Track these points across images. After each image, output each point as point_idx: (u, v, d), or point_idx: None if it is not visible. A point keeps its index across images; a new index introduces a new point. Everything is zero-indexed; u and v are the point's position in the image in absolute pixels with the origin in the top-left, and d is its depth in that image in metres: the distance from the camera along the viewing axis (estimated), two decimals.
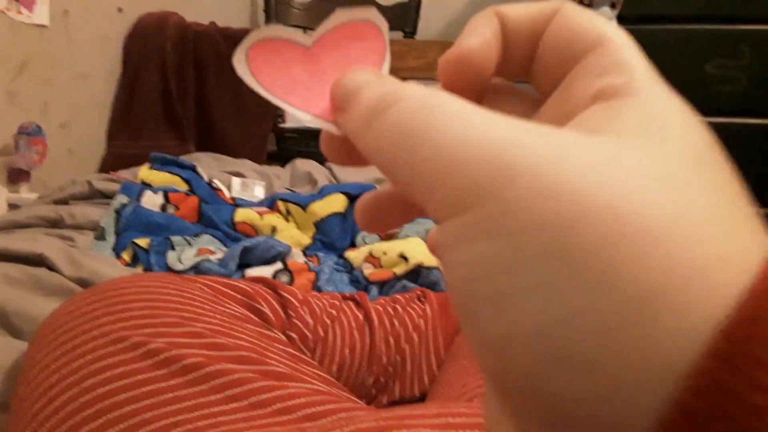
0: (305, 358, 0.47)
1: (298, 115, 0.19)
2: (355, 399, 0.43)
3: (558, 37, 0.17)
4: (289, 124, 2.07)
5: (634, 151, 0.13)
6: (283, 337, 0.50)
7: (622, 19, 1.51)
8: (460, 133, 0.13)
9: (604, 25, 0.17)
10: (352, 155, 0.18)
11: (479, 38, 0.18)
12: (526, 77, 0.19)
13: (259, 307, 0.50)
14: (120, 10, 1.53)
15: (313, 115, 0.18)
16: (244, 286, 0.51)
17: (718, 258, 0.11)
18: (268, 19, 2.04)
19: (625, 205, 0.11)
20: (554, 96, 0.18)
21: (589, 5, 1.42)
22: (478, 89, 0.19)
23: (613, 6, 1.43)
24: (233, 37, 1.64)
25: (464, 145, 0.13)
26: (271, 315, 0.51)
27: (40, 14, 1.27)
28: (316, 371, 0.45)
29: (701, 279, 0.11)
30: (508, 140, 0.13)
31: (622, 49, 0.16)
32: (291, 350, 0.46)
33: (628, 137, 0.13)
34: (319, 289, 0.72)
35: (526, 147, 0.12)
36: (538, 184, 0.12)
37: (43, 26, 1.27)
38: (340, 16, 0.20)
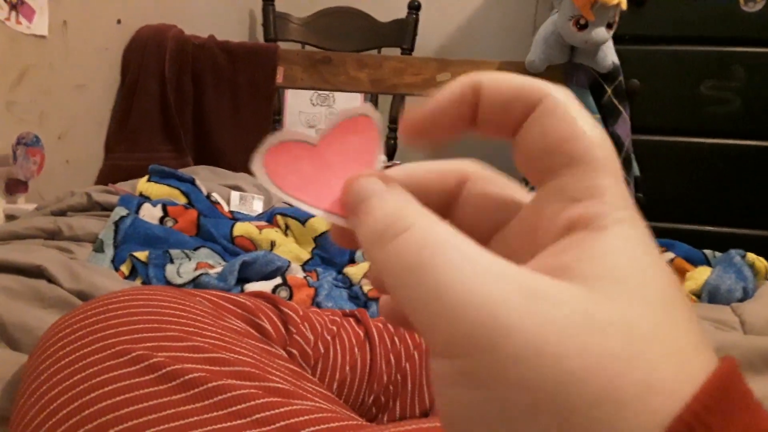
0: (306, 375, 0.46)
1: (311, 211, 0.21)
2: (358, 417, 0.43)
3: (539, 141, 0.18)
4: None
5: (601, 307, 0.15)
6: (284, 353, 0.50)
7: (617, 40, 1.53)
8: (458, 283, 0.15)
9: (588, 136, 0.17)
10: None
11: (443, 97, 0.19)
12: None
13: (260, 322, 0.50)
14: (119, 22, 1.54)
15: (324, 210, 0.21)
16: (245, 301, 0.51)
17: (655, 388, 0.13)
18: (267, 34, 2.05)
19: (599, 371, 0.13)
20: (530, 207, 0.19)
21: (585, 26, 1.44)
22: (445, 138, 0.20)
23: (609, 26, 1.45)
24: (232, 51, 1.65)
25: (462, 296, 0.15)
26: (271, 330, 0.50)
27: (40, 25, 1.27)
28: (318, 388, 0.44)
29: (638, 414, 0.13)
30: (500, 299, 0.14)
31: (600, 172, 0.17)
32: (292, 366, 0.46)
33: (596, 286, 0.15)
34: (318, 305, 0.72)
35: (515, 308, 0.14)
36: (526, 345, 0.14)
37: (42, 37, 1.27)
38: (342, 114, 0.22)
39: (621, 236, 0.16)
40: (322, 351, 0.53)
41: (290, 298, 0.72)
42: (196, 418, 0.36)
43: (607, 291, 0.15)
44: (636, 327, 0.14)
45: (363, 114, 0.22)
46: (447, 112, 0.19)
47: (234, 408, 0.37)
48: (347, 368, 0.54)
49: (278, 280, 0.74)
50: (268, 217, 0.99)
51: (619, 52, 1.56)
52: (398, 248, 0.16)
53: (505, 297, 0.14)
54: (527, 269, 0.16)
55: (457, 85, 0.19)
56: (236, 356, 0.41)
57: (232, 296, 0.51)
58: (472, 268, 0.15)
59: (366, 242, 0.18)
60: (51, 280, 0.63)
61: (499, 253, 0.19)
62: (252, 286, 0.73)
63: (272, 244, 0.90)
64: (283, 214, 0.97)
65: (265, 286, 0.73)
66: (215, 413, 0.36)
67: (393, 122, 2.05)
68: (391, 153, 2.03)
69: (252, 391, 0.38)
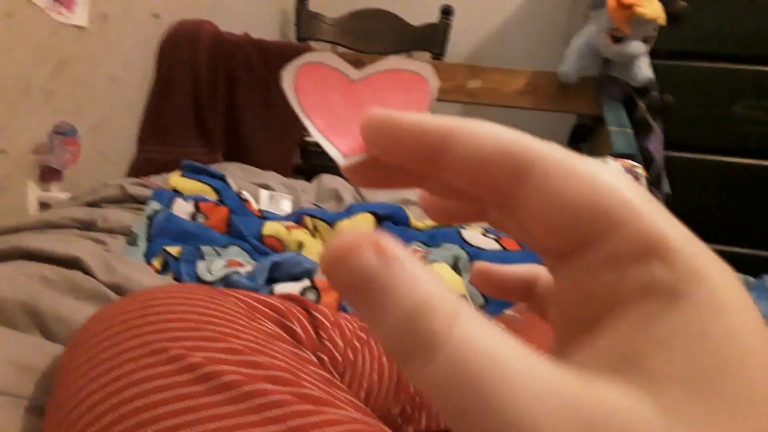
0: (336, 382, 0.46)
1: (318, 139, 0.19)
2: (387, 429, 0.43)
3: (555, 212, 0.15)
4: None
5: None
6: (314, 359, 0.50)
7: (653, 54, 1.51)
8: (502, 413, 0.12)
9: (619, 186, 0.14)
10: (378, 179, 0.18)
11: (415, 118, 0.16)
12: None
13: (291, 325, 0.50)
14: (156, 16, 1.56)
15: (331, 143, 0.19)
16: (277, 303, 0.51)
17: None
18: (299, 32, 2.06)
19: None
20: (571, 277, 0.16)
21: (621, 40, 1.42)
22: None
23: (645, 41, 1.44)
24: (266, 50, 1.66)
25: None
26: (302, 335, 0.50)
27: (80, 15, 1.29)
28: (348, 397, 0.44)
29: None
30: None
31: (655, 221, 0.14)
32: (323, 373, 0.46)
33: (669, 394, 0.12)
34: (344, 309, 0.72)
35: None
36: None
37: (82, 27, 1.29)
38: (393, 62, 0.20)
39: (704, 307, 0.13)
40: (352, 358, 0.53)
41: (318, 301, 0.73)
42: (232, 421, 0.36)
43: (684, 404, 0.12)
44: None
45: (417, 72, 0.19)
46: (405, 141, 0.16)
47: (268, 413, 0.37)
48: (375, 377, 0.54)
49: (306, 283, 0.74)
50: (296, 218, 1.00)
51: (654, 67, 1.54)
52: (430, 374, 0.13)
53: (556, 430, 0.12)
54: (585, 375, 0.13)
55: (426, 118, 0.16)
56: (270, 360, 0.41)
57: (264, 298, 0.51)
58: (518, 391, 0.12)
59: (386, 352, 0.15)
60: (86, 271, 0.64)
61: (558, 318, 0.16)
62: (280, 287, 0.73)
63: (300, 245, 0.91)
64: (312, 216, 0.98)
65: (293, 287, 0.73)
66: (251, 417, 0.36)
67: None
68: None
69: (286, 396, 0.38)
